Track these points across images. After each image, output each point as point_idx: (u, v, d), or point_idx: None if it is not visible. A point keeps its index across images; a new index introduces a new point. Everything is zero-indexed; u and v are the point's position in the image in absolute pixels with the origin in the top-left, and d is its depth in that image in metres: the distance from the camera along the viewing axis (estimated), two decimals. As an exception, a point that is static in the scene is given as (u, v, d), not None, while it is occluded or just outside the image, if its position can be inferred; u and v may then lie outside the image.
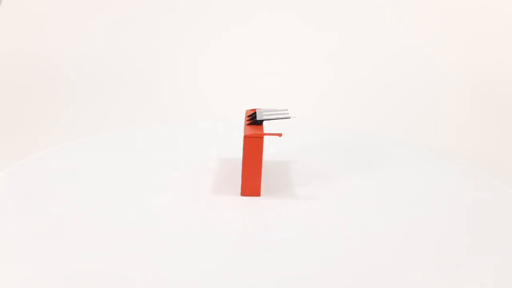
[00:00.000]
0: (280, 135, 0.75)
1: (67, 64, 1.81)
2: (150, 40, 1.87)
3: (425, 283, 0.54)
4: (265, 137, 0.84)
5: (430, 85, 1.74)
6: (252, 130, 0.75)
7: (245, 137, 0.73)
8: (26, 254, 0.58)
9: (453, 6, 1.73)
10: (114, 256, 0.58)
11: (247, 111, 0.87)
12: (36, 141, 1.58)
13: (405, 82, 1.76)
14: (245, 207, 0.72)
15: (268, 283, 0.54)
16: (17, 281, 0.53)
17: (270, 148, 0.91)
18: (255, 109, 0.86)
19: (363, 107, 1.74)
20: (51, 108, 1.71)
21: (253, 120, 0.80)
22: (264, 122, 0.81)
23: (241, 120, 0.88)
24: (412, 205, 0.74)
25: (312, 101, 1.74)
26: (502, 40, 1.68)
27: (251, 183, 0.75)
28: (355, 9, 1.84)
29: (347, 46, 1.83)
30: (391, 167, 0.91)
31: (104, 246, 0.60)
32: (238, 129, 0.93)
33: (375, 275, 0.55)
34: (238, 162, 0.84)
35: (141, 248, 0.60)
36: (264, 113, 0.82)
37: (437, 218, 0.70)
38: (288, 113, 0.80)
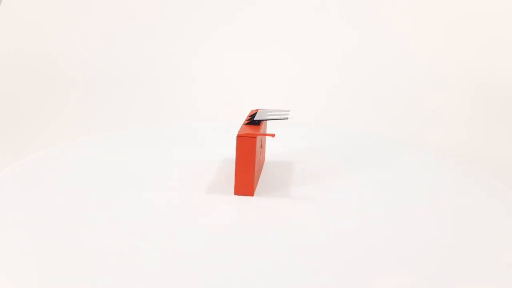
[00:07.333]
0: (273, 135, 0.74)
1: (66, 64, 1.80)
2: (145, 40, 1.86)
3: (425, 282, 0.53)
4: (269, 137, 0.82)
5: (433, 88, 1.74)
6: (247, 130, 0.74)
7: (238, 136, 0.72)
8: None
9: (458, 12, 1.73)
10: (112, 252, 0.57)
11: (251, 110, 0.86)
12: (34, 140, 1.58)
13: (409, 86, 1.76)
14: (237, 206, 0.72)
15: (256, 279, 0.53)
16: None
17: (274, 149, 0.91)
18: (257, 110, 0.85)
19: (366, 109, 1.73)
20: (47, 108, 1.70)
21: (251, 120, 0.79)
22: (268, 123, 0.79)
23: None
24: (411, 206, 0.74)
25: (318, 103, 1.74)
26: (504, 44, 1.68)
27: (244, 183, 0.74)
28: (359, 16, 1.84)
29: (353, 51, 1.82)
30: (391, 167, 0.90)
31: (102, 241, 0.59)
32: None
33: (366, 276, 0.55)
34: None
35: (133, 244, 0.59)
36: (266, 113, 0.81)
37: (438, 217, 0.69)
38: (287, 114, 0.79)
